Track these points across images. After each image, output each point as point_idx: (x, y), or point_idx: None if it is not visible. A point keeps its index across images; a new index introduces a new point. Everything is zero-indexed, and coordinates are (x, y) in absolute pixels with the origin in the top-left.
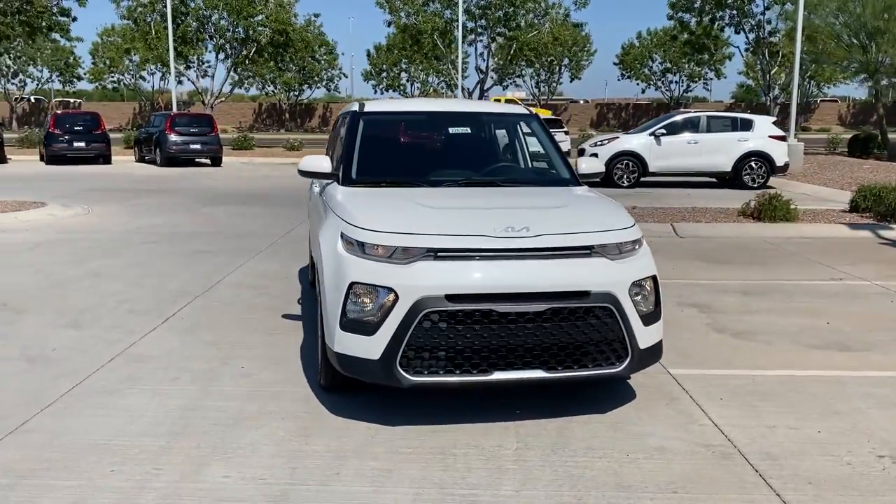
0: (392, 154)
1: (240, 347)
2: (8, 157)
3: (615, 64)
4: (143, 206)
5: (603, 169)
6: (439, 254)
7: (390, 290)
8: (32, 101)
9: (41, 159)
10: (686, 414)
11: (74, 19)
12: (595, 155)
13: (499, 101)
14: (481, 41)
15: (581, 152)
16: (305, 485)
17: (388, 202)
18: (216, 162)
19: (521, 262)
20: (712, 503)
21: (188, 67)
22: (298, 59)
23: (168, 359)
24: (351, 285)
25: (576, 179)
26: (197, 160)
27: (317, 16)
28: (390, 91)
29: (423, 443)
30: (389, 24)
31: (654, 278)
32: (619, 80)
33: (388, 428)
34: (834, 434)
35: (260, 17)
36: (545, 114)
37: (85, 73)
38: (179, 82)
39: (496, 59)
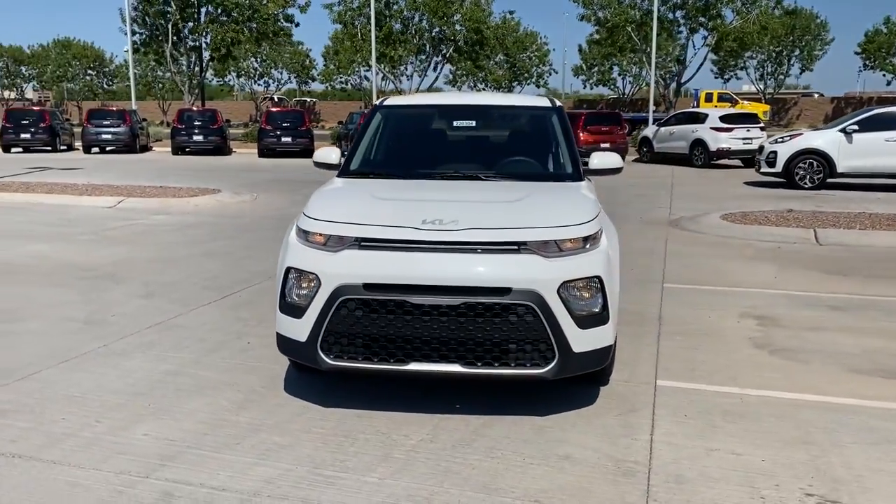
0: (398, 147)
1: (265, 325)
2: (233, 150)
3: (857, 53)
4: (306, 195)
5: (621, 164)
6: (363, 243)
7: (315, 276)
8: (276, 100)
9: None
10: (629, 427)
11: (297, 25)
12: (774, 153)
13: (710, 94)
14: (681, 33)
15: (760, 150)
16: (200, 450)
17: (352, 193)
18: None
19: (440, 254)
20: None
21: (395, 67)
22: (497, 56)
23: (195, 330)
24: (288, 270)
25: (577, 175)
26: None
27: (511, 13)
28: (600, 86)
29: (339, 425)
30: (582, 19)
31: (598, 279)
32: (860, 70)
33: (317, 408)
34: (777, 465)
35: (457, 17)
36: (753, 108)
37: (318, 75)
38: (385, 82)
39: (702, 49)
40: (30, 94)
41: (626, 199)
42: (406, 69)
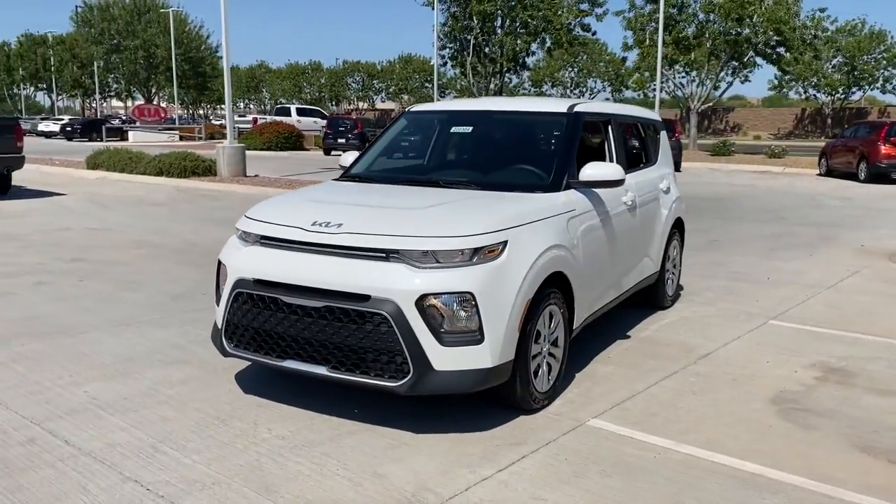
0: (400, 152)
1: None
2: None
3: None
4: None
5: (618, 176)
6: (263, 240)
7: (226, 268)
8: None
9: None
10: (485, 459)
11: (594, 33)
12: None
13: None
14: None
15: None
16: (95, 407)
17: (302, 194)
18: (676, 167)
19: (316, 256)
20: None
21: (688, 72)
22: (833, 59)
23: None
24: (218, 262)
25: (555, 186)
26: None
27: (822, 10)
28: None
29: (230, 409)
30: None
31: (471, 295)
32: None
33: (237, 391)
34: None
35: (756, 18)
36: None
37: (631, 83)
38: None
39: None
40: (379, 104)
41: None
42: (700, 74)
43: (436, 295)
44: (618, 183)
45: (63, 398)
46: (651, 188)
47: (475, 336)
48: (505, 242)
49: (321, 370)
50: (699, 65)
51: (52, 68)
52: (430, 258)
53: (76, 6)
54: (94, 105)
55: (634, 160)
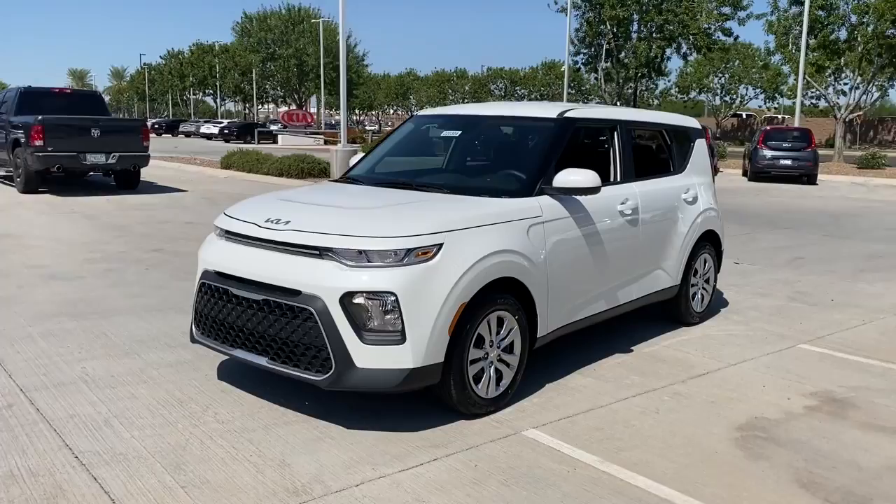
0: (394, 154)
1: None
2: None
3: None
4: None
5: (592, 184)
6: (227, 235)
7: (199, 259)
8: (744, 117)
9: (743, 174)
10: (391, 457)
11: (737, 38)
12: None
13: None
14: None
15: None
16: (81, 382)
17: (281, 194)
18: (811, 180)
19: (265, 252)
20: None
21: (838, 78)
22: None
23: None
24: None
25: (525, 191)
26: (788, 176)
27: None
28: None
29: (195, 391)
30: None
31: (394, 295)
32: None
33: (199, 371)
34: None
35: None
36: None
37: (787, 90)
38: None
39: None
40: None
41: None
42: (854, 80)
43: (359, 293)
44: (591, 190)
45: (60, 372)
46: (667, 198)
47: (397, 336)
48: (440, 245)
49: (262, 361)
50: (851, 69)
51: (217, 75)
52: (363, 257)
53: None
54: (252, 109)
55: (648, 168)
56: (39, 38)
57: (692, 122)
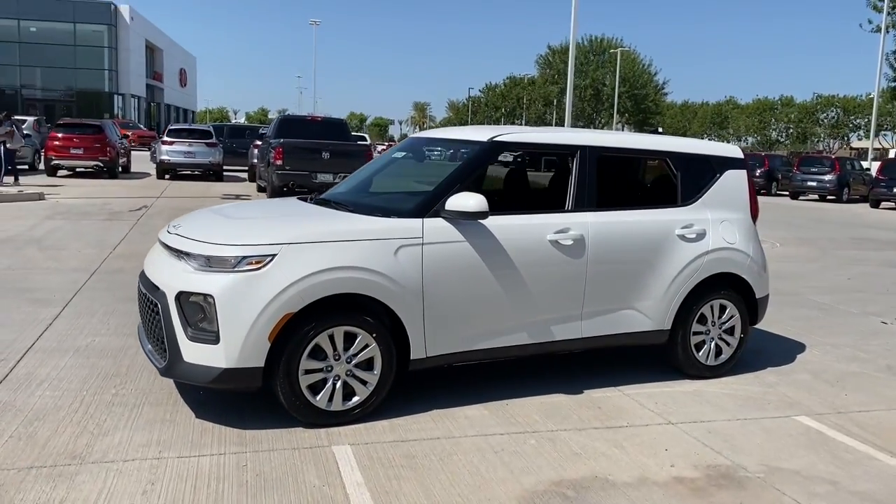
0: (360, 174)
1: None
2: None
3: None
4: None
5: (479, 209)
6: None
7: None
8: None
9: None
10: (163, 445)
11: None
12: None
13: None
14: None
15: None
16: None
17: (218, 207)
18: None
19: (161, 253)
20: None
21: None
22: None
23: None
24: None
25: (415, 213)
26: None
27: None
28: None
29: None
30: None
31: (211, 298)
32: None
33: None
34: None
35: None
36: None
37: None
38: None
39: None
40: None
41: None
42: None
43: (189, 294)
44: (477, 215)
45: (62, 339)
46: (645, 231)
47: (212, 336)
48: (273, 255)
49: (149, 347)
50: None
51: (525, 106)
52: (207, 262)
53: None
54: None
55: (627, 197)
56: (391, 75)
57: (720, 151)
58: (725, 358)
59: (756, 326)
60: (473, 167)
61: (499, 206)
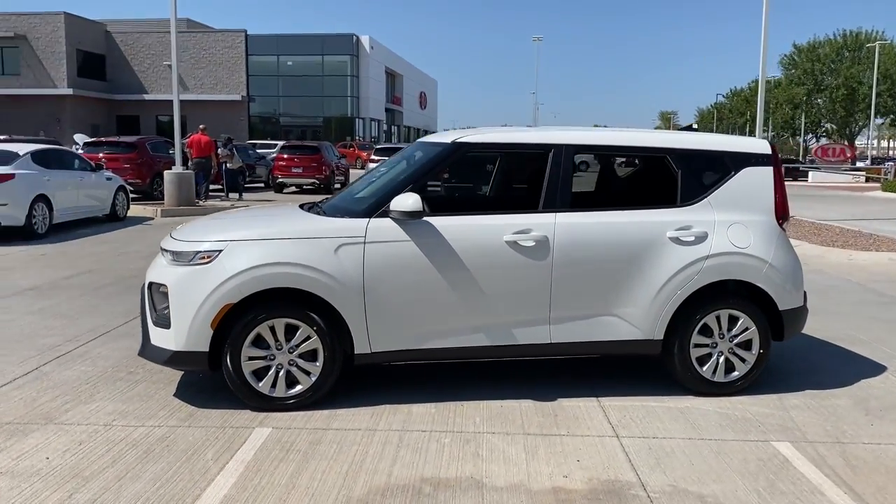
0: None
1: None
2: None
3: None
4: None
5: (413, 208)
6: None
7: None
8: None
9: None
10: (121, 415)
11: None
12: None
13: None
14: None
15: None
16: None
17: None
18: None
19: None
20: None
21: None
22: None
23: None
24: None
25: (366, 213)
26: None
27: None
28: None
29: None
30: None
31: (165, 287)
32: None
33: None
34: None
35: None
36: None
37: None
38: None
39: None
40: None
41: None
42: None
43: (157, 284)
44: (412, 214)
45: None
46: (626, 233)
47: (166, 322)
48: (219, 251)
49: None
50: None
51: (771, 110)
52: (175, 257)
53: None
54: (802, 143)
55: (608, 197)
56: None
57: (739, 146)
58: (738, 375)
59: (833, 342)
60: (429, 168)
61: (462, 206)
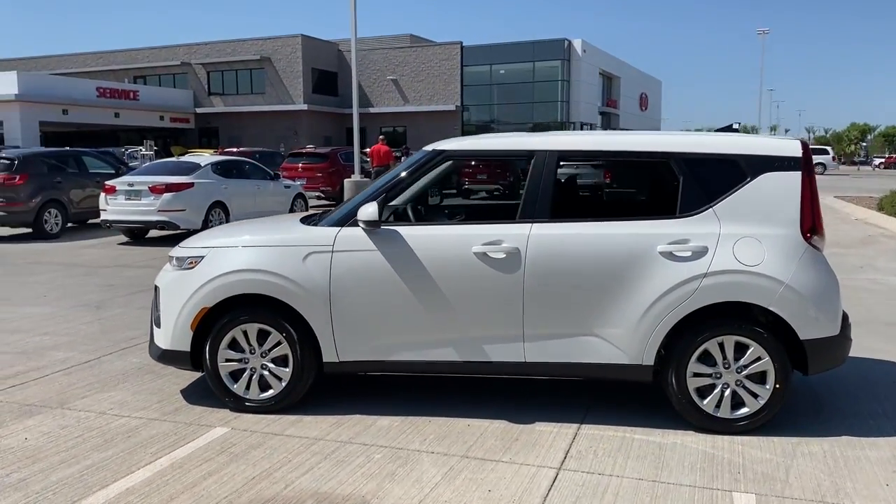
0: None
1: None
2: None
3: None
4: None
5: (365, 217)
6: None
7: None
8: None
9: None
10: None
11: None
12: None
13: None
14: None
15: None
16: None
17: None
18: None
19: None
20: None
21: None
22: None
23: None
24: None
25: (337, 222)
26: None
27: None
28: None
29: None
30: None
31: (156, 287)
32: None
33: None
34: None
35: None
36: None
37: None
38: None
39: None
40: None
41: None
42: None
43: (156, 286)
44: (369, 224)
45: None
46: (607, 245)
47: (158, 322)
48: (202, 257)
49: None
50: None
51: None
52: (175, 262)
53: None
54: None
55: (596, 207)
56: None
57: (760, 148)
58: (748, 412)
59: None
60: (407, 176)
61: (442, 216)
